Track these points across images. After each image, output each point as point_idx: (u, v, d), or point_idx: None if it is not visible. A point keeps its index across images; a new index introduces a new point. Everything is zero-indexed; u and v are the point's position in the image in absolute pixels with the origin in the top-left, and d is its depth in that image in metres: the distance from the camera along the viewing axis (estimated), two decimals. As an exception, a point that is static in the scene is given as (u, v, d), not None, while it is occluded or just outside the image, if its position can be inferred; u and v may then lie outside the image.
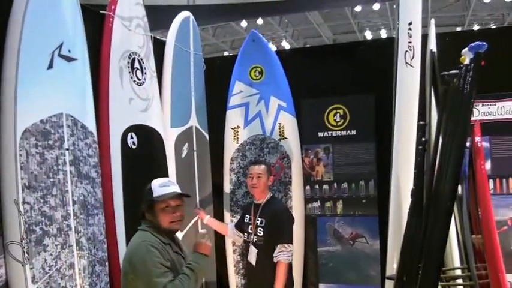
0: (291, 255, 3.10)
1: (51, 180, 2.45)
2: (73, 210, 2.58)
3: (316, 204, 3.97)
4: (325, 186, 3.96)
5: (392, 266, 3.06)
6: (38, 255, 2.30)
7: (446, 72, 2.03)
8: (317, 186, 3.98)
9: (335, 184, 3.94)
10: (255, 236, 3.24)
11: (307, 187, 4.01)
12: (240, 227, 3.42)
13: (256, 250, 3.22)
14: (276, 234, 3.12)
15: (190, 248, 2.41)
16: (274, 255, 3.08)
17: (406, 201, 2.94)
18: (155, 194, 2.29)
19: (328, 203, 3.95)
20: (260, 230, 3.20)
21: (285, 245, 3.08)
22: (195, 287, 2.25)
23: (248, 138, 4.04)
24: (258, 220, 3.23)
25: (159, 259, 2.16)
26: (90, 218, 2.71)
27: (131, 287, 2.20)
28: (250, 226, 3.29)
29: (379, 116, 3.87)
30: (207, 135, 4.06)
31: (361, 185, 3.87)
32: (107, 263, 2.83)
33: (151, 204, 2.29)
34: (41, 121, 2.43)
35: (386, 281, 3.09)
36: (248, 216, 3.34)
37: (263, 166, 3.32)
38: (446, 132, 2.03)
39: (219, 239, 3.93)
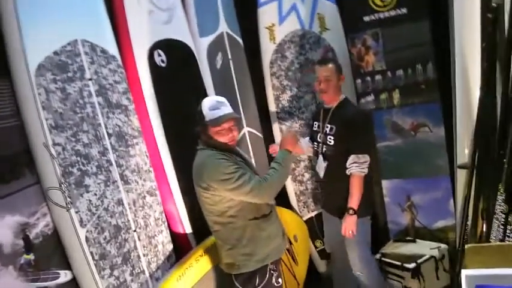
0: (365, 166, 2.72)
1: (80, 115, 2.25)
2: (110, 143, 2.40)
3: (370, 98, 3.61)
4: (378, 77, 3.57)
5: (463, 153, 2.77)
6: (81, 197, 2.16)
7: None
8: (369, 78, 3.60)
9: (389, 73, 3.53)
10: (324, 146, 2.88)
11: (358, 80, 3.64)
12: (310, 135, 3.08)
13: (326, 162, 2.87)
14: (347, 143, 2.75)
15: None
16: (346, 166, 2.74)
17: (474, 80, 2.60)
18: (207, 118, 2.26)
19: (383, 94, 3.58)
20: (330, 138, 2.83)
21: (358, 156, 2.71)
22: (282, 181, 2.39)
23: (286, 36, 3.63)
24: (327, 127, 2.85)
25: (232, 165, 2.21)
26: (130, 148, 2.54)
27: (216, 200, 2.25)
28: (319, 134, 2.93)
29: (431, -13, 3.35)
30: (240, 40, 3.68)
31: (418, 70, 3.44)
32: (157, 192, 2.69)
33: (205, 128, 2.28)
34: (55, 53, 2.19)
35: (458, 170, 2.82)
36: (317, 123, 2.97)
37: (330, 65, 2.84)
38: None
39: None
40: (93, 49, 2.40)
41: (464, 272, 1.64)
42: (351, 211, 2.72)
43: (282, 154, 2.42)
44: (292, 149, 2.46)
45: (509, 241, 2.10)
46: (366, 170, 2.73)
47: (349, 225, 2.73)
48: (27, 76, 2.04)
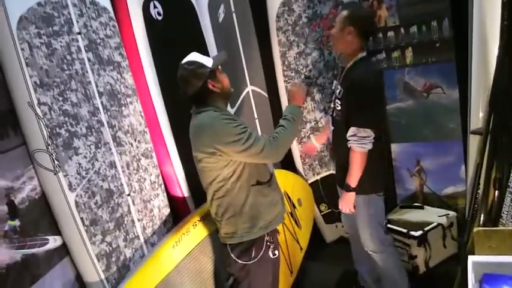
0: (366, 142, 2.36)
1: (67, 72, 2.08)
2: (101, 102, 2.25)
3: (381, 56, 3.42)
4: (391, 33, 3.36)
5: (477, 117, 2.60)
6: (70, 160, 2.03)
7: None
8: (380, 35, 3.39)
9: (402, 29, 3.32)
10: (334, 110, 2.58)
11: (369, 37, 3.43)
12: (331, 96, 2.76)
13: (332, 127, 2.61)
14: (348, 111, 2.42)
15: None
16: (347, 137, 2.42)
17: (493, 39, 2.40)
18: (209, 64, 2.15)
19: (395, 52, 3.38)
20: (338, 102, 2.51)
21: (359, 129, 2.35)
22: (292, 138, 2.31)
23: (293, -12, 3.41)
24: (337, 89, 2.53)
25: (239, 125, 2.09)
26: (123, 108, 2.39)
27: (222, 166, 2.13)
28: (334, 95, 2.60)
29: None
30: (245, -9, 3.47)
31: (434, 26, 3.22)
32: (153, 154, 2.57)
33: (214, 75, 2.16)
34: (39, 4, 2.00)
35: (471, 136, 2.66)
36: (335, 82, 2.64)
37: (344, 13, 2.41)
38: None
39: (276, 107, 3.56)
40: (82, 0, 2.22)
41: (471, 258, 1.47)
42: (346, 187, 2.47)
43: (290, 109, 2.28)
44: (300, 103, 2.32)
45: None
46: (369, 146, 2.38)
47: (345, 202, 2.50)
48: (8, 29, 1.87)
